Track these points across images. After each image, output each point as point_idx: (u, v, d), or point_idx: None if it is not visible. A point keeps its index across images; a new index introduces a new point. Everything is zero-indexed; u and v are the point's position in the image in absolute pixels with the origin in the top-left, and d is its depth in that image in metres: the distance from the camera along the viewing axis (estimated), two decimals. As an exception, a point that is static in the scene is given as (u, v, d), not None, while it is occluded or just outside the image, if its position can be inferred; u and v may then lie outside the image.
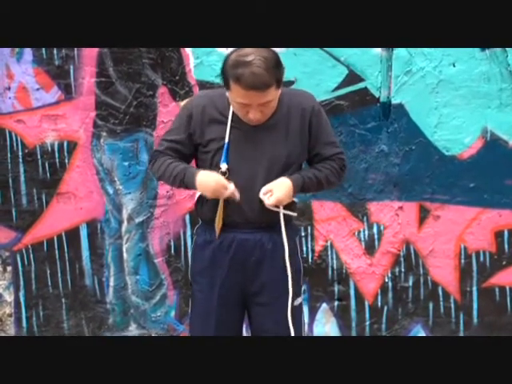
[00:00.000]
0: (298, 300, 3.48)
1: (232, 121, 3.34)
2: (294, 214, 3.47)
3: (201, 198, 3.45)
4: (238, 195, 3.29)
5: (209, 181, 3.30)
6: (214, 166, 3.35)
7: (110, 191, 4.66)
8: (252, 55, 3.15)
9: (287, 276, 3.39)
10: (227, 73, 3.19)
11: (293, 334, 3.37)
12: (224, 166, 3.31)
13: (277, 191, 3.29)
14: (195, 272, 3.52)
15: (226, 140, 3.32)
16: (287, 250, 3.39)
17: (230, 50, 4.23)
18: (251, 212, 3.35)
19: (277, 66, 3.21)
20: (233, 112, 3.33)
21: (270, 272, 3.40)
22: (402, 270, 4.62)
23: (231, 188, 3.27)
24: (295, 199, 3.48)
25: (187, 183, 3.37)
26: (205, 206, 3.43)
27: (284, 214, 3.38)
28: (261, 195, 3.30)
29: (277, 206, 3.33)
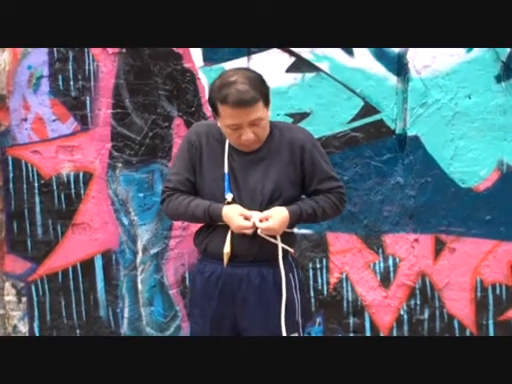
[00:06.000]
0: (294, 335, 3.38)
1: (228, 151, 3.34)
2: (291, 250, 3.41)
3: (199, 229, 3.46)
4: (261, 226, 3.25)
5: (232, 216, 3.26)
6: (210, 195, 3.33)
7: (125, 222, 4.67)
8: (235, 76, 3.18)
9: (278, 312, 3.32)
10: (214, 98, 3.21)
11: None
12: (230, 196, 3.29)
13: (271, 219, 3.24)
14: (190, 303, 3.60)
15: (226, 170, 3.31)
16: (285, 281, 3.32)
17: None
18: (239, 245, 3.31)
19: (261, 82, 3.23)
20: (228, 143, 3.33)
21: (257, 310, 3.34)
22: (418, 302, 4.59)
23: (254, 219, 3.24)
24: (295, 230, 3.46)
25: (212, 217, 3.30)
26: (200, 236, 3.44)
27: (277, 247, 3.31)
28: (256, 221, 3.23)
29: (273, 237, 3.29)
